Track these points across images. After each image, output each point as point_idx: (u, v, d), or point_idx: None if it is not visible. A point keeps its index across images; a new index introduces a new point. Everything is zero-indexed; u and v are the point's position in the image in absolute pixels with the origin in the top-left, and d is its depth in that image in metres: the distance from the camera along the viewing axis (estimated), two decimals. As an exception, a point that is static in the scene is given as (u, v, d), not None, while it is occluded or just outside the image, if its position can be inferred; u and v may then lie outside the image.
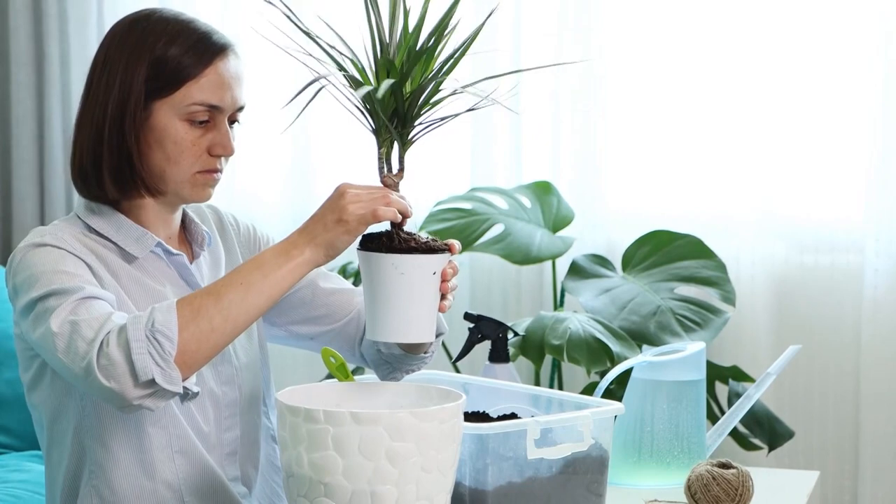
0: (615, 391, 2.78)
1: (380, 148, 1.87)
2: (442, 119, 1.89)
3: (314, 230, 1.87)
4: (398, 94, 1.83)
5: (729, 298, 3.33)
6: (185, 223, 2.14)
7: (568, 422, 2.01)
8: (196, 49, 1.99)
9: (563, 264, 3.54)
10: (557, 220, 3.57)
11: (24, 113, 4.01)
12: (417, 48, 1.84)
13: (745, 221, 3.63)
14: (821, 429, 3.62)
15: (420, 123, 1.87)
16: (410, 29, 1.85)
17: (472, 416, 2.12)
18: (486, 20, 1.91)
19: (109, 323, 1.83)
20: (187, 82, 1.99)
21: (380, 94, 1.79)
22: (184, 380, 1.83)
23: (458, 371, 3.19)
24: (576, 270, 3.40)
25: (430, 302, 1.89)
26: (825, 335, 3.60)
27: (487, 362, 2.43)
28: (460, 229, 3.43)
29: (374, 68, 1.85)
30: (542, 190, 3.60)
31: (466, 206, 3.50)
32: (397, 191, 1.88)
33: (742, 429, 3.33)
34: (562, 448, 1.99)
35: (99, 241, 2.03)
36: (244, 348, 2.13)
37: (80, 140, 2.03)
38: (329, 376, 2.86)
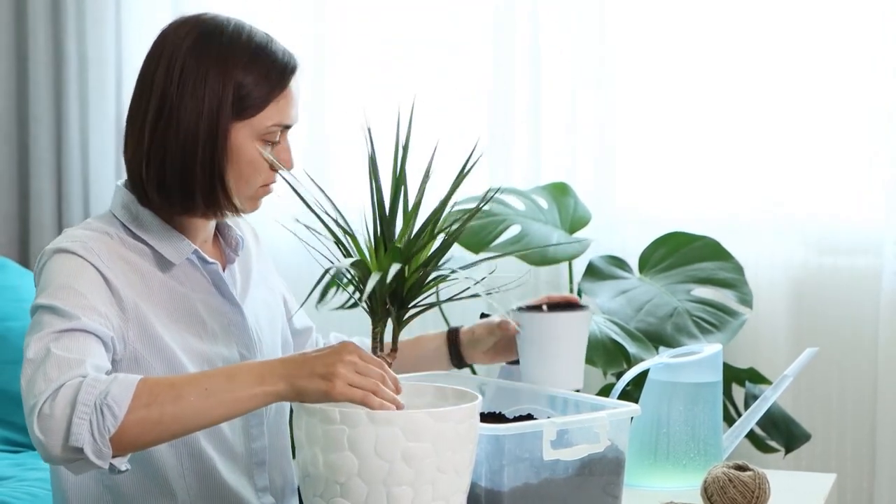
0: (632, 392, 2.77)
1: (374, 327, 1.85)
2: (433, 304, 1.87)
3: (297, 371, 1.79)
4: (400, 279, 1.81)
5: (746, 300, 3.33)
6: (220, 227, 2.13)
7: (584, 423, 2.00)
8: (272, 74, 2.00)
9: (579, 265, 3.54)
10: (574, 222, 3.56)
11: (42, 112, 4.02)
12: (417, 234, 1.84)
13: (762, 223, 3.63)
14: (838, 431, 3.61)
15: (414, 305, 1.85)
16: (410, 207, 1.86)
17: (489, 417, 2.12)
18: (469, 167, 1.91)
19: (77, 369, 1.78)
20: (267, 106, 2.00)
21: (388, 279, 1.79)
22: (114, 457, 1.76)
23: (474, 372, 3.18)
24: (592, 272, 3.40)
25: (585, 350, 2.22)
26: (843, 337, 3.59)
27: (504, 363, 2.43)
28: (477, 230, 3.43)
29: (373, 246, 1.85)
30: (559, 191, 3.60)
31: (483, 206, 3.50)
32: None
33: (759, 431, 3.33)
34: (578, 449, 1.98)
35: (134, 247, 2.01)
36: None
37: (154, 150, 2.00)
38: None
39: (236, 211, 2.04)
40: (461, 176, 1.90)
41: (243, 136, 1.99)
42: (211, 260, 2.06)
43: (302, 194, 1.87)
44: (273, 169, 2.03)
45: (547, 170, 3.76)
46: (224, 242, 2.14)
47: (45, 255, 1.96)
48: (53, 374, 1.77)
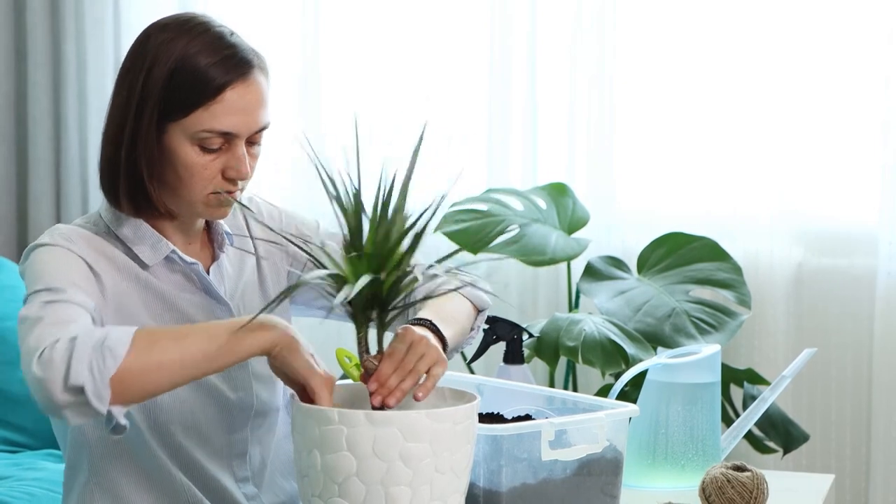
0: (630, 393, 2.77)
1: (358, 332, 1.83)
2: (413, 303, 1.86)
3: (294, 332, 1.84)
4: (377, 284, 1.78)
5: (744, 301, 3.32)
6: (209, 223, 2.12)
7: (583, 423, 2.00)
8: (204, 80, 1.95)
9: (578, 266, 3.54)
10: (573, 222, 3.56)
11: (41, 112, 4.01)
12: (390, 242, 1.80)
13: (760, 224, 3.63)
14: (836, 432, 3.61)
15: (393, 307, 1.82)
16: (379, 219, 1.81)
17: (487, 418, 2.12)
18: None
19: (71, 327, 1.79)
20: (197, 109, 1.95)
21: (353, 293, 1.74)
22: (112, 404, 1.75)
23: (472, 372, 3.18)
24: (591, 272, 3.40)
25: None
26: (841, 338, 3.59)
27: (502, 363, 2.43)
28: (476, 230, 3.43)
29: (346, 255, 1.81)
30: (558, 191, 3.60)
31: (482, 207, 3.50)
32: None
33: (757, 431, 3.33)
34: (576, 450, 1.99)
35: (115, 245, 2.01)
36: (260, 360, 2.11)
37: (102, 153, 2.02)
38: (343, 377, 2.85)
39: (195, 214, 2.02)
40: (409, 172, 1.84)
41: (177, 139, 1.96)
42: (190, 260, 2.05)
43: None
44: (225, 177, 1.98)
45: (545, 170, 3.76)
46: (212, 238, 2.12)
47: (30, 250, 1.97)
48: (51, 330, 1.78)
